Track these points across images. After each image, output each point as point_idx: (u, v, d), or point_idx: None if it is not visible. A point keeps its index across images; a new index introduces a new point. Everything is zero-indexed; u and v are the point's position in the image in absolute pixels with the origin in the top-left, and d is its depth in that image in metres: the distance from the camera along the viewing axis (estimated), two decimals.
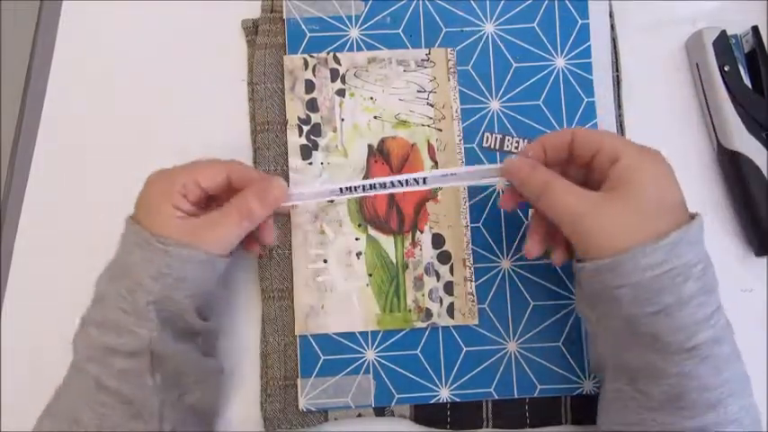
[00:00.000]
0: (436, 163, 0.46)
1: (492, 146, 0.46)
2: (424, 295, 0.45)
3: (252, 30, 0.48)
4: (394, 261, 0.45)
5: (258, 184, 0.39)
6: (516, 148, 0.46)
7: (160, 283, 0.36)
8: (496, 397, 0.44)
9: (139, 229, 0.37)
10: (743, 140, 0.45)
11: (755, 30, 0.46)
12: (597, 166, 0.37)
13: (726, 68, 0.45)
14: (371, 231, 0.45)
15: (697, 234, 0.34)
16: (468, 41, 0.47)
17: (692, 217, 0.35)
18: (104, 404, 0.35)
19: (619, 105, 0.47)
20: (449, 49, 0.47)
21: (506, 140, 0.46)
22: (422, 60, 0.47)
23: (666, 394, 0.34)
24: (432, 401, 0.44)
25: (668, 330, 0.33)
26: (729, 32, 0.46)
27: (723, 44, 0.46)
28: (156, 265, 0.36)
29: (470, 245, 0.45)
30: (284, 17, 0.47)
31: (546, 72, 0.47)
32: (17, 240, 0.47)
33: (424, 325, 0.45)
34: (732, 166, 0.45)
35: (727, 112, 0.45)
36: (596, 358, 0.40)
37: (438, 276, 0.45)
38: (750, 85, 0.45)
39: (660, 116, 0.48)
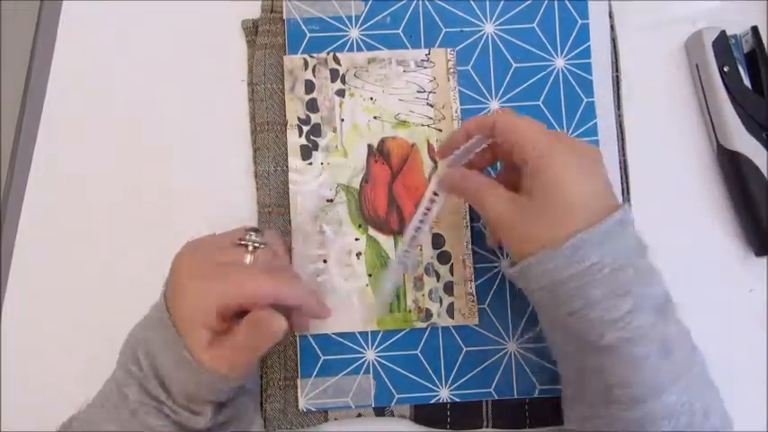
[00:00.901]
0: (436, 163, 0.46)
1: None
2: (423, 295, 0.45)
3: (252, 30, 0.48)
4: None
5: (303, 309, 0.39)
6: None
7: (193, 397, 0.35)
8: (496, 397, 0.44)
9: (177, 339, 0.34)
10: (743, 141, 0.45)
11: (755, 30, 0.46)
12: (517, 160, 0.36)
13: (725, 69, 0.45)
14: (371, 231, 0.45)
15: (602, 235, 0.33)
16: (468, 42, 0.47)
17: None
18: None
19: (618, 106, 0.47)
20: (448, 50, 0.47)
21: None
22: (421, 61, 0.47)
23: (595, 389, 0.35)
24: (432, 401, 0.44)
25: (582, 330, 0.34)
26: (729, 33, 0.46)
27: (723, 44, 0.46)
28: (192, 383, 0.35)
29: (470, 245, 0.45)
30: (284, 17, 0.47)
31: (545, 72, 0.47)
32: (17, 240, 0.47)
33: (424, 325, 0.45)
34: (732, 167, 0.45)
35: (727, 112, 0.45)
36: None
37: (438, 276, 0.45)
38: (750, 86, 0.45)
39: (660, 116, 0.48)
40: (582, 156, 0.35)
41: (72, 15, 0.49)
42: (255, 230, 0.38)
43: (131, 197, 0.47)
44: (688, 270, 0.44)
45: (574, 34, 0.47)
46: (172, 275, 0.36)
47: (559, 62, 0.47)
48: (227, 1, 0.49)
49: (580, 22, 0.47)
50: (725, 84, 0.45)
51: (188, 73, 0.48)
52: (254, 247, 0.37)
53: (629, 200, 0.47)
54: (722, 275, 0.46)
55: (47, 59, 0.49)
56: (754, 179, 0.45)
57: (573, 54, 0.47)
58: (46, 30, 0.49)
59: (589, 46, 0.47)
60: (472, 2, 0.48)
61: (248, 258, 0.37)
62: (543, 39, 0.47)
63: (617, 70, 0.48)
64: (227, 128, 0.48)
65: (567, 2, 0.47)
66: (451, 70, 0.47)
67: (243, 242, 0.37)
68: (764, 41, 0.46)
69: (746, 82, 0.46)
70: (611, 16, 0.48)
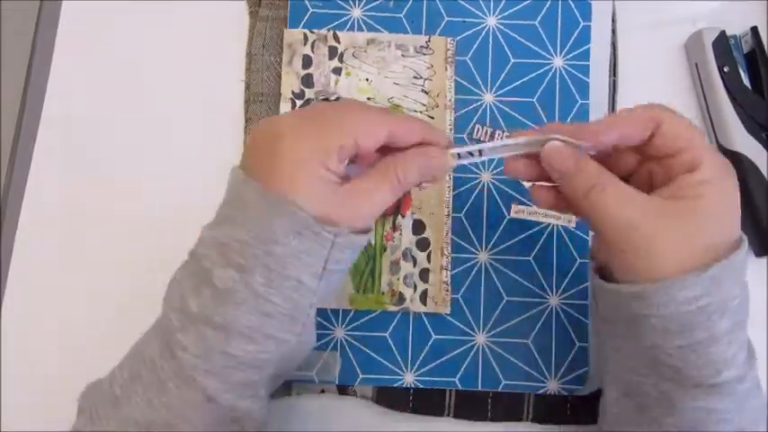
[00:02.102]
0: None
1: (482, 138, 0.47)
2: (399, 279, 0.45)
3: (255, 1, 0.49)
4: (372, 243, 0.45)
5: (421, 154, 0.33)
6: None
7: (324, 281, 0.30)
8: (460, 387, 0.44)
9: (293, 208, 0.29)
10: (742, 141, 0.45)
11: (755, 30, 0.46)
12: (667, 165, 0.31)
13: (725, 69, 0.45)
14: None
15: (741, 263, 0.31)
16: (469, 32, 0.47)
17: (739, 240, 0.31)
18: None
19: (613, 110, 0.47)
20: (449, 39, 0.47)
21: (496, 135, 0.46)
22: (421, 47, 0.47)
23: (679, 426, 0.31)
24: (395, 385, 0.44)
25: (693, 366, 0.30)
26: (729, 33, 0.46)
27: (722, 44, 0.46)
28: (319, 259, 0.29)
29: (450, 234, 0.45)
30: None
31: (543, 70, 0.47)
32: (17, 240, 0.47)
33: (395, 309, 0.45)
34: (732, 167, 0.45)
35: (727, 112, 0.45)
36: (602, 370, 0.38)
37: (415, 262, 0.45)
38: (749, 86, 0.45)
39: None
40: (736, 182, 0.32)
41: (72, 15, 0.49)
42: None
43: (131, 197, 0.47)
44: None
45: (575, 35, 0.47)
46: (260, 138, 0.31)
47: (558, 61, 0.47)
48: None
49: (582, 23, 0.47)
50: (725, 84, 0.45)
51: (188, 73, 0.48)
52: (336, 99, 0.33)
53: None
54: None
55: (47, 59, 0.49)
56: (754, 179, 0.44)
57: (572, 55, 0.47)
58: (46, 30, 0.49)
59: (589, 48, 0.47)
60: None
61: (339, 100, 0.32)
62: (544, 37, 0.47)
63: (614, 75, 0.48)
64: (223, 102, 0.48)
65: (570, 2, 0.47)
66: (450, 59, 0.47)
67: (322, 96, 0.33)
68: (764, 41, 0.46)
69: (746, 82, 0.45)
70: (613, 20, 0.48)
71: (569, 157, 0.32)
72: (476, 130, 0.47)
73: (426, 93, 0.47)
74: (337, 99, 0.33)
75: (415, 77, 0.47)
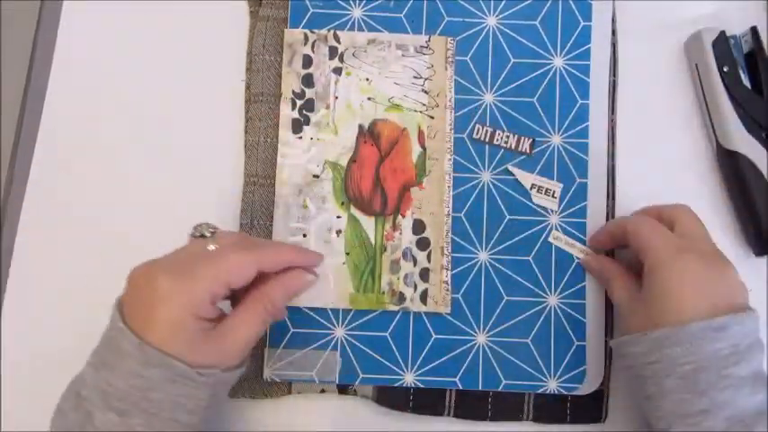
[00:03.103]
0: (425, 149, 0.46)
1: (482, 138, 0.47)
2: (399, 279, 0.45)
3: (256, 2, 0.49)
4: (373, 242, 0.45)
5: (283, 282, 0.37)
6: (506, 143, 0.46)
7: (197, 416, 0.33)
8: (461, 387, 0.44)
9: (168, 360, 0.31)
10: (742, 141, 0.45)
11: (755, 30, 0.46)
12: (643, 260, 0.39)
13: (725, 69, 0.45)
14: (353, 211, 0.46)
15: (689, 335, 0.35)
16: (469, 32, 0.47)
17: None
18: None
19: (612, 110, 0.47)
20: (449, 39, 0.47)
21: (496, 135, 0.47)
22: (421, 47, 0.47)
23: None
24: (395, 385, 0.44)
25: (652, 417, 0.36)
26: (729, 33, 0.46)
27: (722, 45, 0.46)
28: (194, 400, 0.33)
29: (450, 234, 0.45)
30: None
31: (543, 70, 0.47)
32: (17, 240, 0.47)
33: (396, 308, 0.45)
34: (732, 167, 0.45)
35: (727, 112, 0.45)
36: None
37: (415, 262, 0.45)
38: (749, 86, 0.45)
39: (660, 116, 0.48)
40: (708, 266, 0.37)
41: (72, 15, 0.49)
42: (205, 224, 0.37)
43: (131, 197, 0.47)
44: None
45: (575, 35, 0.47)
46: (135, 289, 0.34)
47: (558, 61, 0.47)
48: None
49: (582, 23, 0.47)
50: (725, 84, 0.45)
51: (189, 73, 0.48)
52: (212, 233, 0.36)
53: (614, 204, 0.46)
54: None
55: (47, 59, 0.48)
56: (754, 179, 0.44)
57: (572, 55, 0.47)
58: (46, 30, 0.49)
59: (589, 48, 0.47)
60: None
61: (211, 246, 0.35)
62: (544, 37, 0.47)
63: (614, 75, 0.48)
64: (224, 102, 0.48)
65: (571, 2, 0.47)
66: (450, 59, 0.47)
67: (198, 233, 0.36)
68: (764, 41, 0.46)
69: (746, 82, 0.45)
70: (613, 20, 0.48)
71: (592, 260, 0.45)
72: (476, 129, 0.47)
73: (426, 93, 0.47)
74: (213, 233, 0.36)
75: (414, 77, 0.47)
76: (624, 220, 0.43)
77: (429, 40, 0.47)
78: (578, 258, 0.45)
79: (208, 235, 0.36)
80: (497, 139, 0.47)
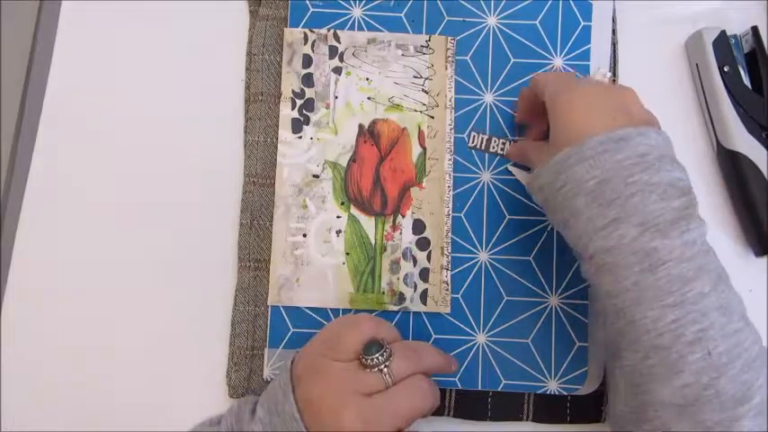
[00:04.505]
0: (425, 149, 0.46)
1: (478, 146, 0.46)
2: (399, 279, 0.45)
3: (256, 1, 0.49)
4: (372, 242, 0.45)
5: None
6: (502, 149, 0.46)
7: None
8: (460, 387, 0.44)
9: None
10: (743, 140, 0.45)
11: (755, 30, 0.46)
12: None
13: (725, 69, 0.45)
14: (353, 210, 0.46)
15: (589, 150, 0.34)
16: (469, 32, 0.47)
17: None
18: None
19: None
20: (449, 38, 0.47)
21: (492, 141, 0.47)
22: (421, 46, 0.47)
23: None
24: None
25: (573, 242, 0.36)
26: (729, 32, 0.46)
27: (723, 44, 0.46)
28: None
29: (450, 234, 0.45)
30: None
31: (543, 70, 0.47)
32: (17, 240, 0.47)
33: (396, 308, 0.45)
34: (732, 166, 0.45)
35: (727, 112, 0.45)
36: None
37: (415, 262, 0.45)
38: (750, 86, 0.45)
39: (660, 116, 0.47)
40: (606, 90, 0.37)
41: (72, 15, 0.49)
42: (375, 345, 0.36)
43: (131, 197, 0.47)
44: None
45: (575, 35, 0.47)
46: (321, 400, 0.34)
47: (558, 61, 0.47)
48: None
49: (582, 23, 0.47)
50: (725, 84, 0.45)
51: (189, 73, 0.48)
52: (386, 366, 0.35)
53: None
54: None
55: (47, 59, 0.48)
56: (754, 179, 0.44)
57: (572, 55, 0.47)
58: (46, 30, 0.49)
59: (589, 48, 0.47)
60: None
61: (388, 380, 0.35)
62: (544, 37, 0.47)
63: (615, 75, 0.48)
64: (224, 101, 0.48)
65: (571, 2, 0.47)
66: (450, 58, 0.47)
67: (369, 364, 0.35)
68: (764, 41, 0.46)
69: (746, 82, 0.46)
70: (614, 20, 0.48)
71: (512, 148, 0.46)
72: (471, 137, 0.46)
73: (427, 92, 0.47)
74: (387, 365, 0.36)
75: (415, 77, 0.47)
76: (527, 87, 0.44)
77: (429, 40, 0.47)
78: (502, 154, 0.46)
79: (384, 369, 0.35)
80: (493, 146, 0.46)
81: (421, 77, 0.47)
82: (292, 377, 0.35)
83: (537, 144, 0.42)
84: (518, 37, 0.47)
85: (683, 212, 0.34)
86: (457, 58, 0.47)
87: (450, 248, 0.45)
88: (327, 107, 0.46)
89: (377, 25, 0.47)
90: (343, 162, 0.46)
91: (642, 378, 0.33)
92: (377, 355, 0.35)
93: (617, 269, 0.33)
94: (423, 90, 0.47)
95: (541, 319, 0.45)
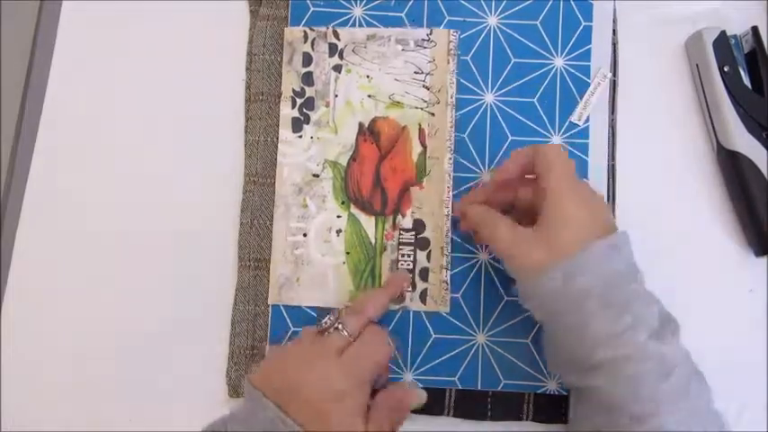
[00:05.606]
0: (425, 148, 0.46)
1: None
2: None
3: (256, 1, 0.49)
4: (373, 242, 0.45)
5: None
6: None
7: None
8: (460, 387, 0.44)
9: None
10: (743, 140, 0.45)
11: (755, 30, 0.46)
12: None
13: (725, 69, 0.45)
14: (354, 210, 0.46)
15: (594, 257, 0.35)
16: (470, 32, 0.47)
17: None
18: None
19: (613, 110, 0.47)
20: (452, 31, 0.47)
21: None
22: (422, 40, 0.47)
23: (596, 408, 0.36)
24: None
25: (577, 348, 0.35)
26: (729, 33, 0.46)
27: (723, 44, 0.46)
28: None
29: (450, 233, 0.45)
30: None
31: (544, 70, 0.47)
32: (17, 240, 0.47)
33: (395, 307, 0.45)
34: (732, 167, 0.45)
35: (727, 112, 0.45)
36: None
37: (415, 261, 0.45)
38: (750, 86, 0.45)
39: (660, 116, 0.48)
40: (593, 195, 0.38)
41: (72, 15, 0.49)
42: (321, 314, 0.40)
43: (131, 197, 0.47)
44: (688, 270, 0.45)
45: (576, 35, 0.47)
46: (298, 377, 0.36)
47: (558, 62, 0.47)
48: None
49: (583, 23, 0.47)
50: (725, 84, 0.45)
51: (189, 72, 0.48)
52: (339, 323, 0.39)
53: (614, 204, 0.46)
54: (722, 275, 0.46)
55: (47, 59, 0.48)
56: (754, 179, 0.44)
57: (573, 55, 0.47)
58: (46, 30, 0.49)
59: (590, 48, 0.47)
60: None
61: (346, 335, 0.38)
62: (545, 37, 0.47)
63: (615, 74, 0.48)
64: (224, 101, 0.48)
65: (572, 2, 0.47)
66: (452, 52, 0.47)
67: (325, 326, 0.39)
68: (764, 41, 0.46)
69: (746, 82, 0.45)
70: (614, 20, 0.48)
71: (472, 210, 0.42)
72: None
73: (428, 88, 0.47)
74: (337, 328, 0.40)
75: (415, 72, 0.47)
76: (529, 147, 0.40)
77: (431, 33, 0.47)
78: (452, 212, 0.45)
79: (339, 327, 0.39)
80: None
81: (422, 73, 0.47)
82: (256, 388, 0.37)
83: (512, 226, 0.38)
84: (519, 37, 0.47)
85: (663, 313, 0.35)
86: (457, 57, 0.47)
87: (450, 248, 0.45)
88: (327, 105, 0.46)
89: (378, 24, 0.47)
90: (343, 161, 0.46)
91: None
92: (327, 318, 0.39)
93: (635, 377, 0.33)
94: (424, 86, 0.47)
95: None
